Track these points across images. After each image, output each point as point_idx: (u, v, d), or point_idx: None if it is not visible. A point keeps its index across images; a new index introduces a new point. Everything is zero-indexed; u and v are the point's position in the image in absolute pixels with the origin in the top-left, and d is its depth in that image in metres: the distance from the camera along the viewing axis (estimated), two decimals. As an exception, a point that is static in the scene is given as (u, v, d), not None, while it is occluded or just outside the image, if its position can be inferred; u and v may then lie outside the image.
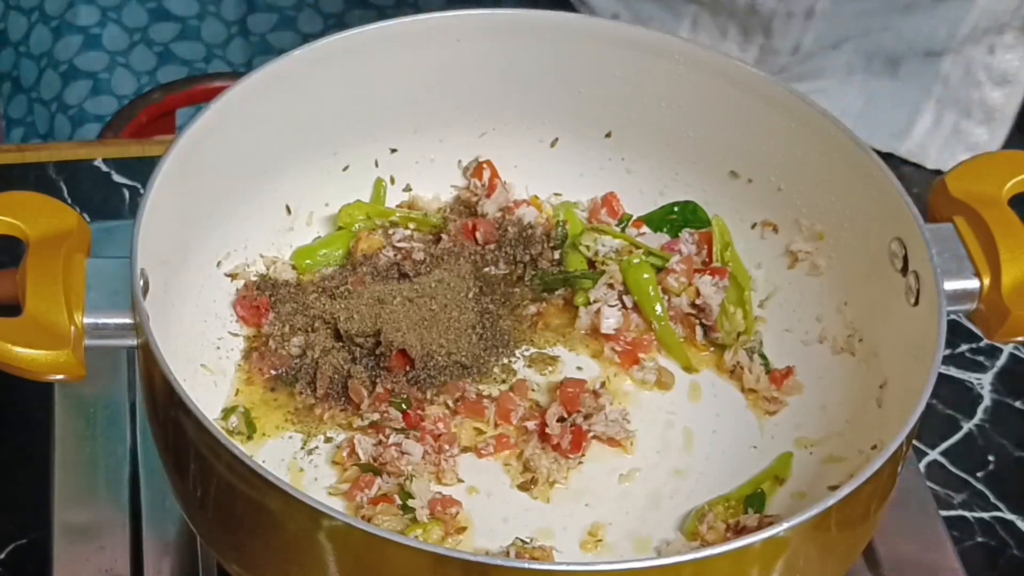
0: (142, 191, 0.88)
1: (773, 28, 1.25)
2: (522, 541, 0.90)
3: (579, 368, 0.99)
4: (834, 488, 0.85)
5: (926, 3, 1.23)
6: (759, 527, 0.89)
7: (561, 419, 0.95)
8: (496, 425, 0.95)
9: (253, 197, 0.99)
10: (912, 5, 1.23)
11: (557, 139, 1.05)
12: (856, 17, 1.24)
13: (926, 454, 1.08)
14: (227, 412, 0.94)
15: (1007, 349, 1.14)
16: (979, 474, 1.07)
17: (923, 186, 0.99)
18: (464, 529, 0.90)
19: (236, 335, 0.98)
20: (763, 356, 0.99)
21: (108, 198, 1.20)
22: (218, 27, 2.18)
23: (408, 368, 0.95)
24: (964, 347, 1.14)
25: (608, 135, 1.05)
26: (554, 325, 1.00)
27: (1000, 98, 1.26)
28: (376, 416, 0.94)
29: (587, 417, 0.95)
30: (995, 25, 1.24)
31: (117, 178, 1.22)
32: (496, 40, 1.01)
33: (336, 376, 0.95)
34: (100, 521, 0.96)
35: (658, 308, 0.99)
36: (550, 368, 0.99)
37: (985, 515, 1.05)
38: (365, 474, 0.91)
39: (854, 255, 0.98)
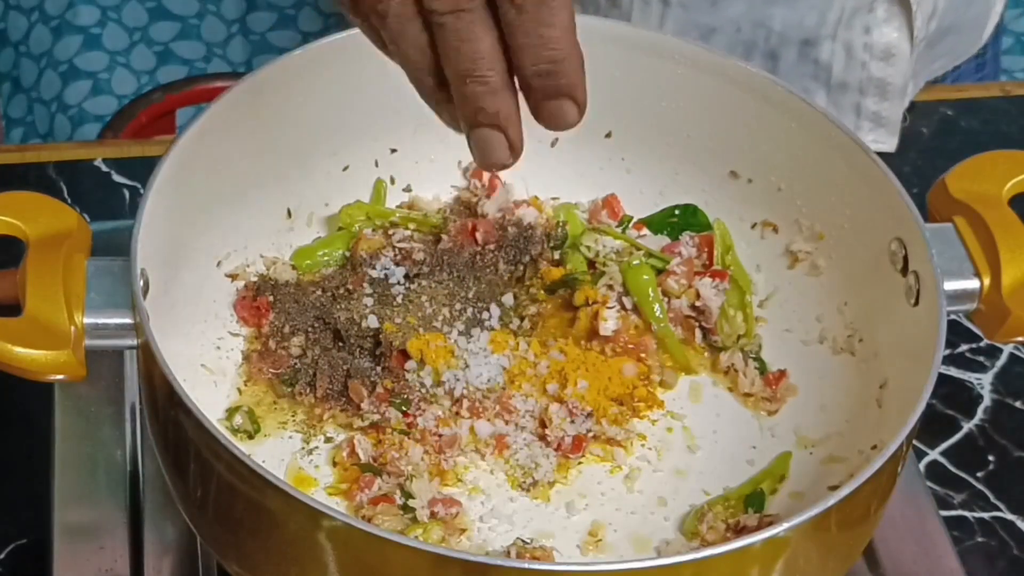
0: (142, 191, 0.88)
1: (633, 20, 1.25)
2: (522, 541, 0.90)
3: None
4: (834, 488, 0.85)
5: None
6: (759, 527, 0.89)
7: (561, 419, 0.95)
8: (496, 425, 0.95)
9: (253, 197, 0.99)
10: None
11: (557, 139, 1.05)
12: (713, 6, 1.24)
13: (926, 454, 1.08)
14: (231, 412, 0.95)
15: (1007, 349, 1.14)
16: (979, 474, 1.07)
17: (923, 186, 0.99)
18: (464, 529, 0.90)
19: (236, 335, 0.98)
20: (759, 359, 0.99)
21: (108, 198, 1.20)
22: (218, 26, 2.19)
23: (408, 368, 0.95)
24: (964, 347, 1.14)
25: (608, 135, 1.05)
26: (554, 325, 1.00)
27: (888, 73, 1.27)
28: (376, 416, 0.94)
29: (588, 417, 0.95)
30: (865, 2, 1.24)
31: (117, 178, 1.22)
32: (496, 40, 1.01)
33: (336, 376, 0.95)
34: (100, 521, 0.96)
35: (657, 310, 0.99)
36: (550, 368, 0.99)
37: (985, 515, 1.05)
38: (365, 474, 0.91)
39: (854, 255, 0.98)
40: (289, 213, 1.02)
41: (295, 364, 0.97)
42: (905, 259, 0.93)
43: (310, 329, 0.98)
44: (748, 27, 1.25)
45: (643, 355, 0.99)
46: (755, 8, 1.24)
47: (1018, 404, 1.12)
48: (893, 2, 1.24)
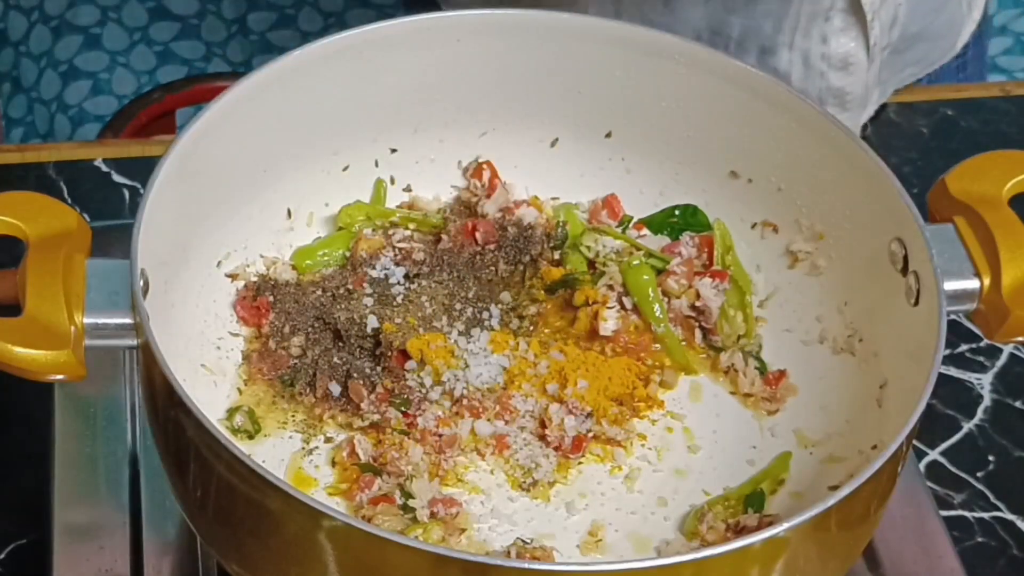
0: (142, 191, 0.88)
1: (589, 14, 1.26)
2: (522, 541, 0.90)
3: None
4: (834, 488, 0.85)
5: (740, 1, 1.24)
6: (759, 527, 0.89)
7: (561, 419, 0.95)
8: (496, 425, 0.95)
9: (253, 197, 0.99)
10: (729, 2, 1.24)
11: (557, 139, 1.05)
12: (666, 6, 1.24)
13: (926, 454, 1.08)
14: (231, 412, 0.95)
15: (1007, 349, 1.14)
16: (979, 474, 1.07)
17: (923, 186, 0.99)
18: (464, 529, 0.90)
19: (236, 335, 0.98)
20: (759, 359, 0.99)
21: (108, 198, 1.20)
22: (218, 26, 2.19)
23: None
24: (964, 347, 1.14)
25: (608, 135, 1.05)
26: (554, 325, 1.00)
27: (847, 82, 1.27)
28: (376, 416, 0.94)
29: (588, 417, 0.95)
30: (821, 11, 1.24)
31: (117, 178, 1.22)
32: (496, 40, 1.01)
33: (336, 376, 0.95)
34: (100, 521, 0.96)
35: (657, 310, 0.99)
36: (550, 368, 0.99)
37: (985, 515, 1.05)
38: (365, 474, 0.91)
39: (854, 255, 0.98)
40: (289, 213, 1.02)
41: (295, 364, 0.97)
42: (905, 259, 0.93)
43: (310, 329, 0.98)
44: (707, 35, 1.26)
45: (643, 355, 0.99)
46: (713, 14, 1.25)
47: (1018, 404, 1.12)
48: (849, 12, 1.24)
